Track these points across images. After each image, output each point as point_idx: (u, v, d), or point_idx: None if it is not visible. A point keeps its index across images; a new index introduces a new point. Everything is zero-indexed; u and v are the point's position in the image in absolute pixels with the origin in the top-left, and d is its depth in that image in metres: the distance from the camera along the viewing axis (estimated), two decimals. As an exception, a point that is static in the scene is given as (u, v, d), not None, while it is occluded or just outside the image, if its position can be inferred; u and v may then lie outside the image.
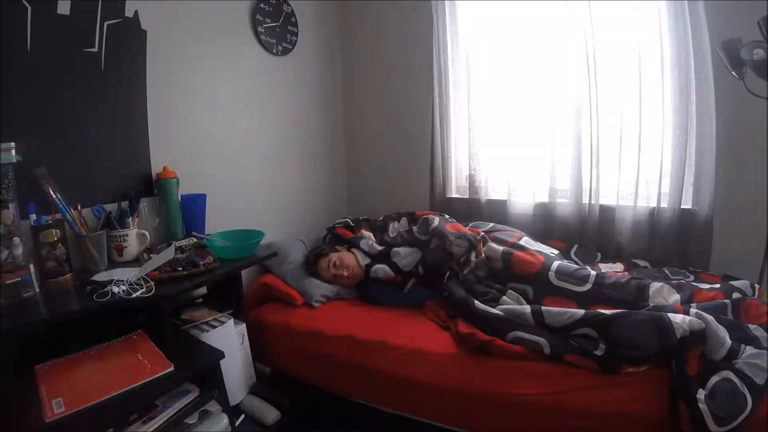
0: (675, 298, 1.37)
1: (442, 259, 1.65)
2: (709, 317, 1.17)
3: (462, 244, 1.65)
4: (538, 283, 1.52)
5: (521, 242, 1.70)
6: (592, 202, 1.87)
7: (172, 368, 1.08)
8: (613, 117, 1.80)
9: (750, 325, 1.21)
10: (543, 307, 1.37)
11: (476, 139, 2.10)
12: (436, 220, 1.77)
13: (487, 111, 2.07)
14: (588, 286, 1.45)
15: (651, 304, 1.34)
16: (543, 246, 1.74)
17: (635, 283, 1.43)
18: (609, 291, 1.42)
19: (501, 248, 1.66)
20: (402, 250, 1.73)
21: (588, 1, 1.75)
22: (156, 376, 1.05)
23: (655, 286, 1.40)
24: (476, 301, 1.47)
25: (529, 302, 1.49)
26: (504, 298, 1.52)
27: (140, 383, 1.02)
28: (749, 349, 1.13)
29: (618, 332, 1.20)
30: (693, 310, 1.23)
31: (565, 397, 1.18)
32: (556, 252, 1.73)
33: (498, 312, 1.41)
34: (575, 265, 1.59)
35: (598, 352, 1.20)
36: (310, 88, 2.28)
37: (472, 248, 1.66)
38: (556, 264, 1.54)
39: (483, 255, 1.68)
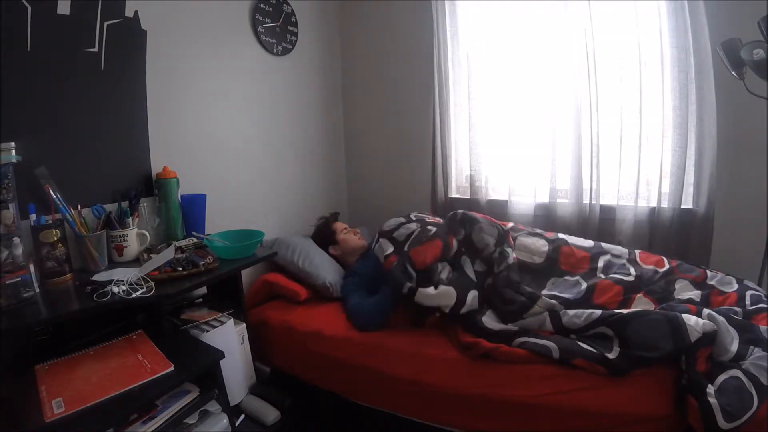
0: (696, 292, 1.40)
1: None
2: (721, 319, 1.18)
3: (492, 232, 1.62)
4: (587, 276, 1.54)
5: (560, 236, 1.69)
6: (593, 202, 1.87)
7: (172, 368, 1.08)
8: (613, 117, 1.80)
9: (762, 327, 1.21)
10: (561, 311, 1.36)
11: (476, 139, 2.10)
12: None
13: (488, 111, 2.07)
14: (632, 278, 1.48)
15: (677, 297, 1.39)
16: (577, 239, 1.71)
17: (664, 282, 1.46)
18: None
19: (545, 243, 1.64)
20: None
21: (588, 1, 1.75)
22: (156, 376, 1.05)
23: (680, 283, 1.44)
24: (483, 318, 1.40)
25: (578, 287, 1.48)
26: (534, 308, 1.38)
27: (140, 383, 1.02)
28: (757, 351, 1.13)
29: (632, 333, 1.20)
30: (705, 311, 1.23)
31: (567, 397, 1.17)
32: (592, 244, 1.68)
33: (506, 326, 1.37)
34: (617, 261, 1.57)
35: (611, 355, 1.18)
36: (310, 88, 2.28)
37: (503, 241, 1.62)
38: (601, 263, 1.56)
39: (515, 256, 1.60)
